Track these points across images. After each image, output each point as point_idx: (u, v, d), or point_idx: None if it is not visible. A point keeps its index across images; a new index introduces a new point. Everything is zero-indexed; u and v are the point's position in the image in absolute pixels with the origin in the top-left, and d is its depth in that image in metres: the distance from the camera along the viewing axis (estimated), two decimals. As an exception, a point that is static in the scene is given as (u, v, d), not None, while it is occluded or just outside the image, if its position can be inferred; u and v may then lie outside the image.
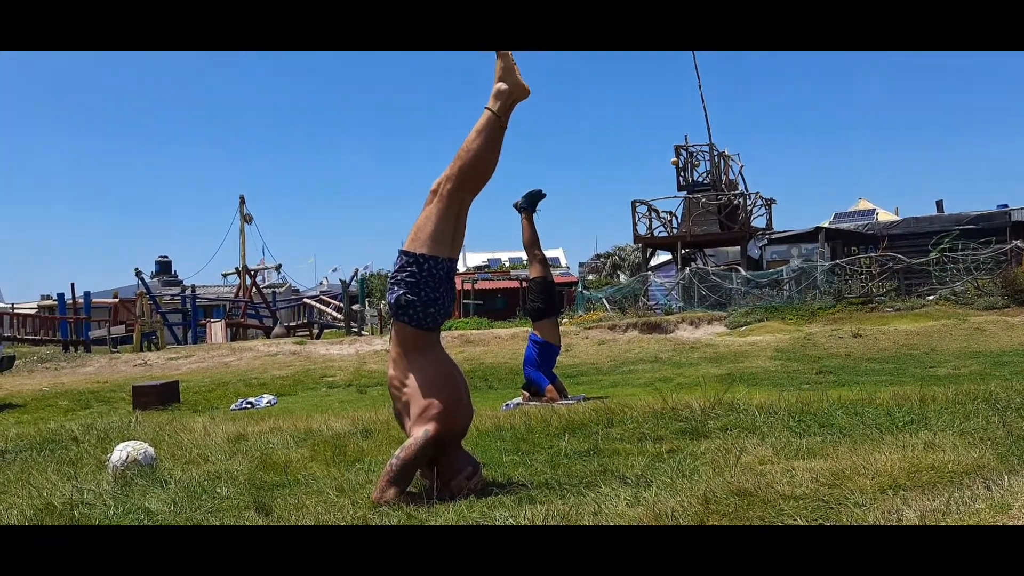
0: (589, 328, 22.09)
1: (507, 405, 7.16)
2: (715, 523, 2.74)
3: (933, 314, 13.66)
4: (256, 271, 34.20)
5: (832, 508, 2.81)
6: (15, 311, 36.17)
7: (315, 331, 28.71)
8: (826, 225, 25.59)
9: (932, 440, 3.82)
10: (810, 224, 25.32)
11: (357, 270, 33.18)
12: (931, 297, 18.47)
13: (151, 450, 4.25)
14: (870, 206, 31.61)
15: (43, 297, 41.66)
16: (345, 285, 29.14)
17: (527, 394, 7.64)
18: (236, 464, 4.43)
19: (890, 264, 20.25)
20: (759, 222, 24.48)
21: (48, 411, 8.99)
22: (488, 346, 11.51)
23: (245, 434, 5.54)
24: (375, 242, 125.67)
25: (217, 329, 26.01)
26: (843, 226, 26.61)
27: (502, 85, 3.42)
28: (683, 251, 24.57)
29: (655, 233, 24.92)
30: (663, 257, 29.46)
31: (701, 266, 23.25)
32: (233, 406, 8.41)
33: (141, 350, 23.32)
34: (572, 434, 4.80)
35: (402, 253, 3.40)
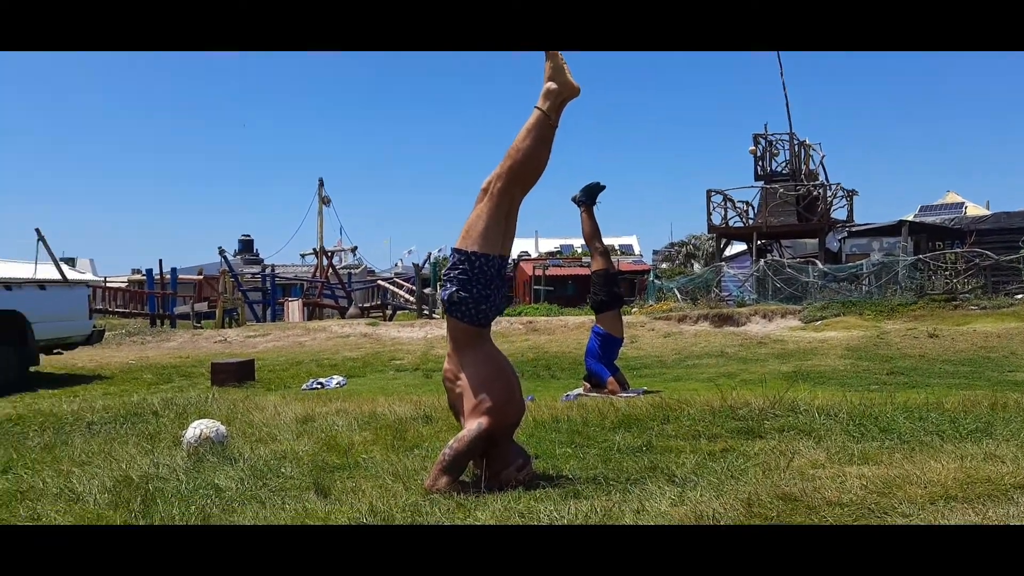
0: (658, 318, 21.92)
1: (567, 396, 7.23)
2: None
3: (1021, 314, 13.12)
4: (333, 252, 34.96)
5: (877, 517, 2.80)
6: (107, 285, 37.92)
7: (388, 312, 29.24)
8: (910, 218, 24.75)
9: (994, 451, 3.74)
10: (893, 217, 24.53)
11: (430, 253, 33.58)
12: (1020, 296, 17.72)
13: (223, 428, 4.46)
14: (959, 199, 30.41)
15: (134, 271, 43.31)
16: (418, 268, 29.53)
17: (588, 385, 7.68)
18: (302, 445, 4.62)
19: (977, 260, 19.47)
20: (839, 214, 23.81)
21: (133, 384, 9.43)
22: (553, 335, 11.56)
23: (312, 415, 5.75)
24: (449, 226, 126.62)
25: (294, 308, 26.71)
26: (928, 220, 25.69)
27: (552, 84, 3.47)
28: (759, 242, 24.11)
29: (730, 223, 24.48)
30: (738, 247, 28.96)
31: (777, 258, 22.78)
32: (304, 386, 8.69)
33: (223, 326, 24.20)
34: (627, 429, 4.85)
35: (454, 251, 3.49)
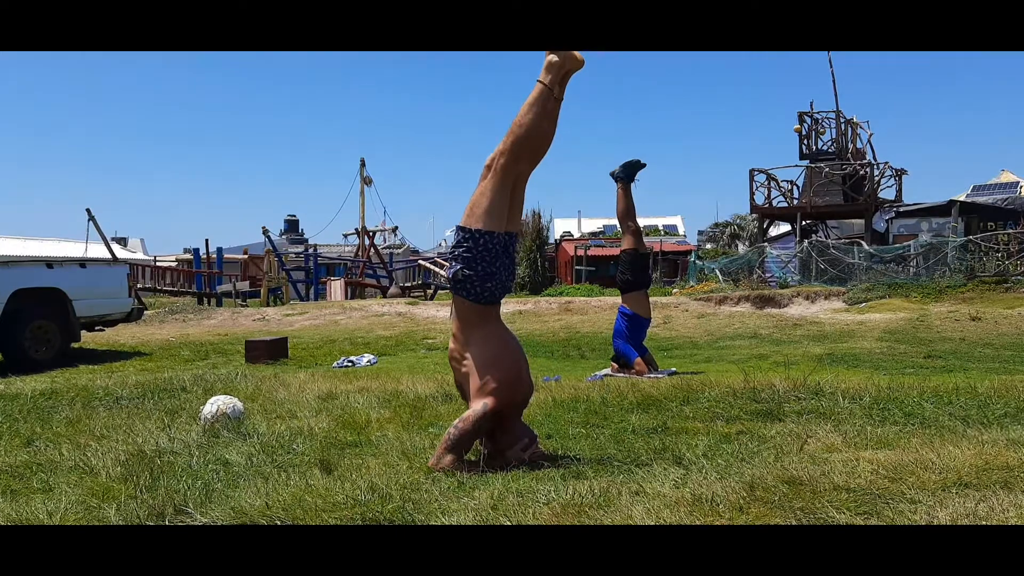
0: (698, 299, 21.69)
1: (594, 376, 7.18)
2: (756, 510, 2.70)
3: (1073, 297, 12.69)
4: (375, 232, 35.16)
5: (883, 502, 2.72)
6: (156, 264, 38.74)
7: (429, 292, 29.39)
8: (961, 198, 24.06)
9: (1018, 437, 3.62)
10: (944, 197, 23.86)
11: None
12: (1075, 278, 17.14)
13: (239, 404, 4.52)
14: (1013, 178, 29.41)
15: (185, 251, 44.10)
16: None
17: (616, 366, 7.62)
18: (319, 422, 4.65)
19: (1030, 242, 18.87)
20: (887, 194, 23.24)
21: (170, 360, 9.61)
22: (586, 315, 11.49)
23: (335, 393, 5.79)
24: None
25: (336, 287, 26.96)
26: (981, 199, 24.93)
27: (553, 57, 3.39)
28: (803, 222, 23.66)
29: (774, 203, 24.06)
30: (784, 228, 28.45)
31: (821, 238, 22.34)
32: (335, 364, 8.76)
33: (267, 305, 24.64)
34: (644, 410, 4.79)
35: (459, 229, 3.46)
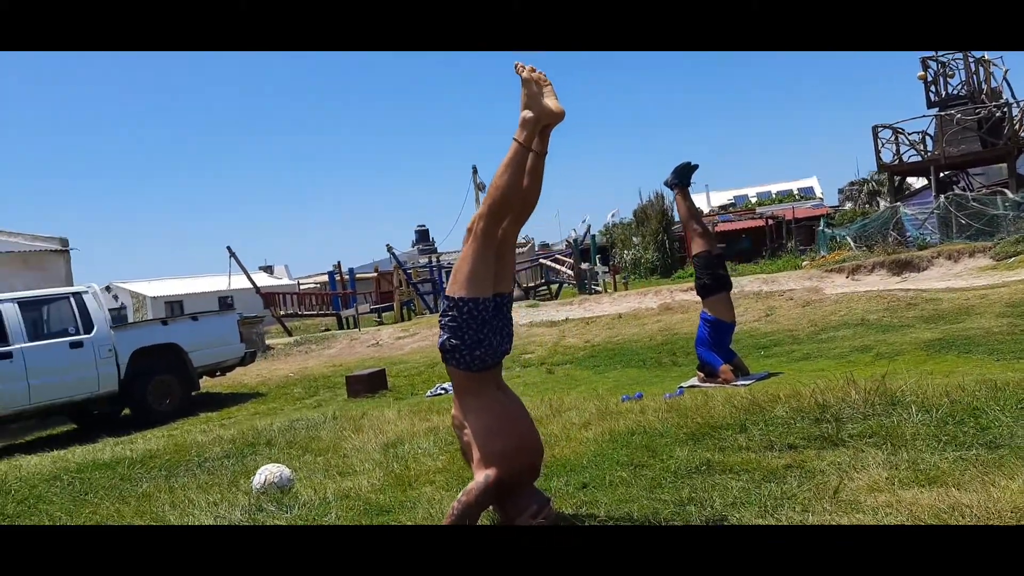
0: (830, 270, 20.59)
1: (679, 389, 6.92)
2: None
3: None
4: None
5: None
6: (300, 288, 40.81)
7: (554, 288, 29.45)
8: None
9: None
10: (1100, 127, 21.55)
11: (588, 227, 33.34)
12: None
13: (287, 472, 4.63)
14: None
15: (334, 268, 46.04)
16: (576, 243, 29.44)
17: (702, 375, 7.33)
18: (369, 479, 4.71)
19: None
20: (1032, 132, 21.27)
21: (281, 400, 10.07)
22: (687, 313, 11.11)
23: (403, 437, 5.87)
24: (622, 186, 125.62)
25: (457, 297, 27.53)
26: None
27: (527, 113, 3.25)
28: (940, 175, 22.01)
29: (904, 158, 22.51)
30: (923, 182, 26.62)
31: (959, 191, 20.72)
32: (429, 392, 8.89)
33: (401, 319, 25.65)
34: (698, 441, 4.56)
35: (444, 297, 3.39)
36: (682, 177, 7.18)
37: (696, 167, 7.18)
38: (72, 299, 9.64)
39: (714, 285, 7.27)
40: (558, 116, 3.29)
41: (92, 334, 9.57)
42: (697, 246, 7.29)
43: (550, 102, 3.28)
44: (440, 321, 3.42)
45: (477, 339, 3.32)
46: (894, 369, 6.49)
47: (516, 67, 3.31)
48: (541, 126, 3.30)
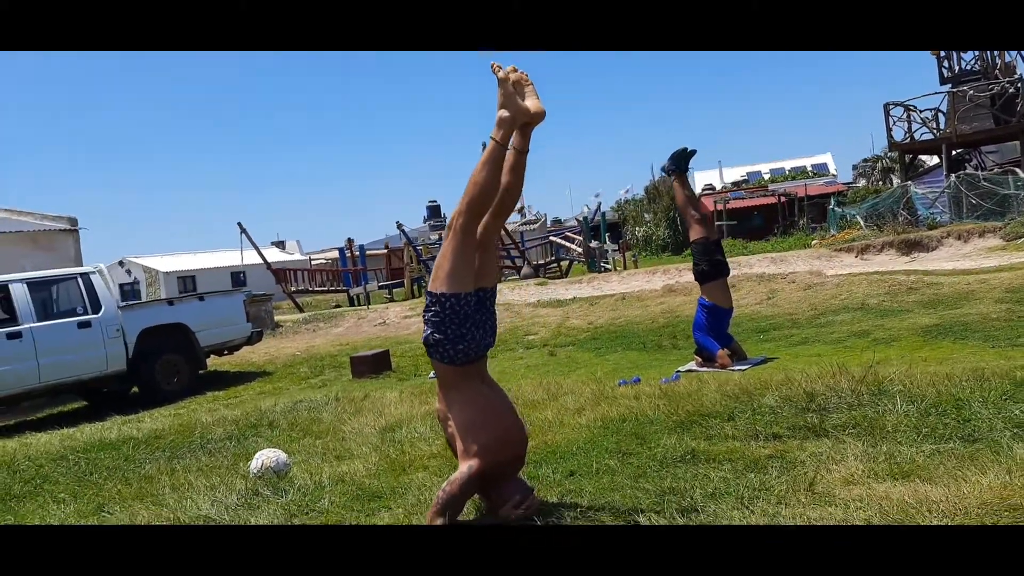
0: (838, 250, 20.55)
1: (676, 374, 6.99)
2: None
3: None
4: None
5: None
6: (311, 264, 40.97)
7: (564, 266, 29.49)
8: None
9: (1069, 458, 3.24)
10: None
11: (599, 204, 33.29)
12: None
13: (283, 456, 4.73)
14: None
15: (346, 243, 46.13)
16: (586, 221, 29.43)
17: (699, 359, 7.39)
18: (365, 463, 4.81)
19: None
20: (1046, 110, 21.02)
21: (288, 380, 10.20)
22: (690, 295, 11.11)
23: (401, 421, 5.97)
24: (634, 162, 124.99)
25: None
26: None
27: (504, 112, 3.30)
28: (953, 153, 21.82)
29: (916, 136, 22.32)
30: (937, 160, 26.41)
31: (971, 171, 20.55)
32: (432, 374, 8.97)
33: (412, 296, 25.84)
34: (686, 429, 4.63)
35: (427, 293, 3.46)
36: (679, 163, 7.20)
37: (694, 153, 7.19)
38: (80, 279, 9.78)
39: (712, 271, 7.30)
40: (534, 116, 3.34)
41: (100, 314, 9.71)
42: (695, 233, 7.32)
43: (529, 102, 3.33)
44: (424, 316, 3.50)
45: (460, 333, 3.39)
46: (888, 356, 6.53)
47: (492, 67, 3.35)
48: (518, 125, 3.34)
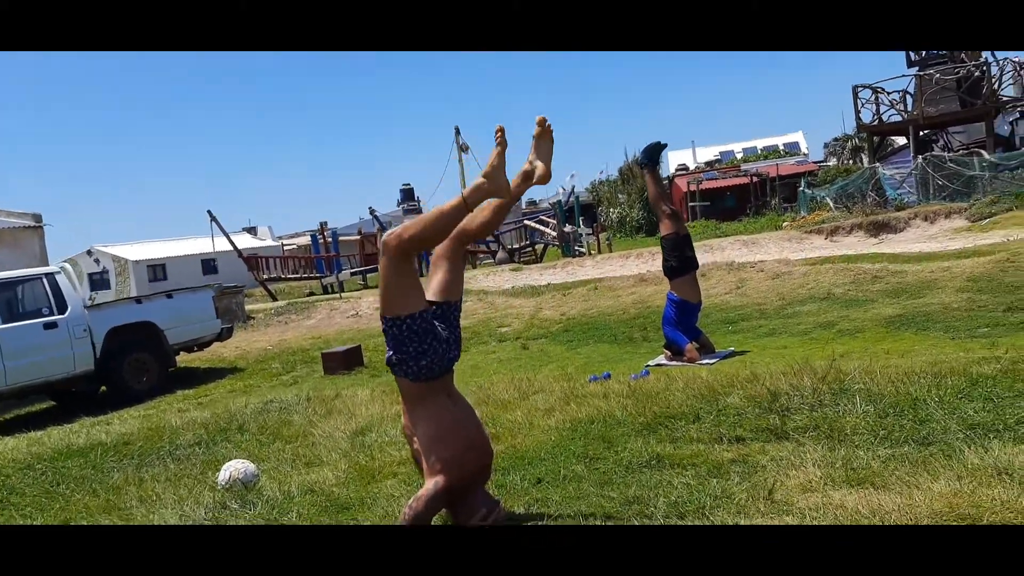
0: (808, 232, 20.73)
1: (644, 370, 7.06)
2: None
3: None
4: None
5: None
6: (284, 250, 40.62)
7: (539, 250, 29.52)
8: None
9: (1010, 462, 3.32)
10: (1079, 86, 21.61)
11: (574, 187, 33.32)
12: None
13: (252, 467, 4.73)
14: None
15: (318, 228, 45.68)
16: (559, 205, 29.44)
17: (668, 353, 7.47)
18: (334, 471, 4.83)
19: None
20: (1010, 92, 21.31)
21: (259, 376, 10.15)
22: (660, 285, 11.20)
23: (372, 424, 5.98)
24: (608, 143, 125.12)
25: (442, 259, 27.61)
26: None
27: (484, 182, 3.29)
28: (920, 134, 22.07)
29: (884, 118, 22.53)
30: (904, 141, 26.68)
31: (938, 152, 20.80)
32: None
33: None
34: (652, 431, 4.69)
35: (381, 317, 3.46)
36: (650, 157, 7.24)
37: (665, 146, 7.25)
38: (45, 280, 9.65)
39: (681, 267, 7.36)
40: (507, 198, 3.44)
41: (66, 314, 9.61)
42: (665, 228, 7.36)
43: (539, 164, 3.48)
44: (384, 338, 3.50)
45: (421, 349, 3.40)
46: (851, 349, 6.63)
47: (496, 133, 3.36)
48: (493, 198, 3.39)
